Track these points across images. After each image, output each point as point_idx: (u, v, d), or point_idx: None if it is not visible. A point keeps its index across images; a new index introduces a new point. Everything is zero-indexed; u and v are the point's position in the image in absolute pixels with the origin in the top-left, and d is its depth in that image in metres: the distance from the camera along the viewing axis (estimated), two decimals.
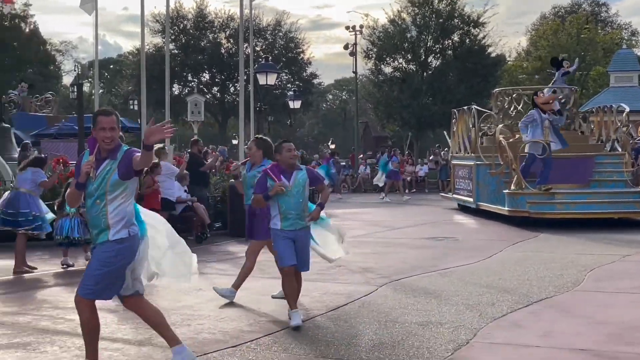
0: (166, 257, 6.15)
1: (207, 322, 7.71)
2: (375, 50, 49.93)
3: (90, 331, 5.71)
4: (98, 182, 5.52)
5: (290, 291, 7.62)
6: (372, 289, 9.50)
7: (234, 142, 49.94)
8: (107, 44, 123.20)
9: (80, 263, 11.73)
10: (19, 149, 21.29)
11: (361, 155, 44.43)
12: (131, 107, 39.70)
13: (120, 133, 5.84)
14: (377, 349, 6.56)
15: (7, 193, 11.69)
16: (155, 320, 5.87)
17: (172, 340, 5.88)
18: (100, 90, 28.76)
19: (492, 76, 49.02)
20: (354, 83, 57.88)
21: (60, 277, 10.97)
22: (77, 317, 7.85)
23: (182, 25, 55.10)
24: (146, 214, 6.04)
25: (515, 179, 17.76)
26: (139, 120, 26.85)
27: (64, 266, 11.54)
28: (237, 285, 8.83)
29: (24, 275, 10.97)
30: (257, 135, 9.93)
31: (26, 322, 7.78)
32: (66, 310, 8.33)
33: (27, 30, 60.00)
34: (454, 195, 23.40)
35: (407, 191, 29.43)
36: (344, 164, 38.92)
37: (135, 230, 5.61)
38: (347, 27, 50.76)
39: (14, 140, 23.94)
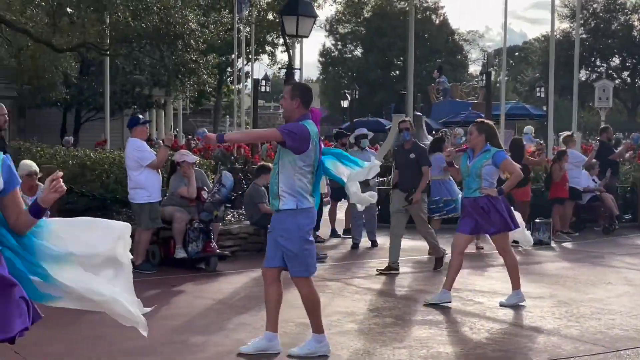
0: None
1: (619, 317, 7.40)
2: None
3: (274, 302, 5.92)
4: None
5: None
6: None
7: None
8: (512, 31, 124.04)
9: (486, 248, 11.84)
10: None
11: None
12: (537, 94, 39.41)
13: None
14: None
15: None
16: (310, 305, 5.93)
17: (317, 327, 5.95)
18: (506, 78, 29.06)
19: None
20: None
21: (469, 259, 11.07)
22: (485, 301, 8.15)
23: (591, 9, 53.46)
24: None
25: None
26: (544, 107, 26.58)
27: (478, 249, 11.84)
28: (448, 285, 7.95)
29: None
30: (478, 119, 8.52)
31: None
32: (475, 292, 8.60)
33: (437, 21, 62.79)
34: None
35: None
36: None
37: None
38: None
39: (424, 127, 25.19)
